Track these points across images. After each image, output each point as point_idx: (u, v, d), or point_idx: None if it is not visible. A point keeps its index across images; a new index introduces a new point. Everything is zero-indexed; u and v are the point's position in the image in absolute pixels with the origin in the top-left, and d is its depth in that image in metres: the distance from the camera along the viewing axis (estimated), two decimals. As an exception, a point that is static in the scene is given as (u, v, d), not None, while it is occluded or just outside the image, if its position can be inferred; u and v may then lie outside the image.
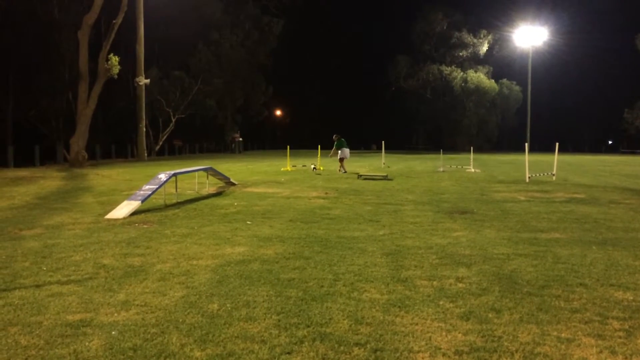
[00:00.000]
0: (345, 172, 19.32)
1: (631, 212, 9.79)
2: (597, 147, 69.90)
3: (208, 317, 3.99)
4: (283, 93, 61.90)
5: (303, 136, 64.58)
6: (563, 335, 3.65)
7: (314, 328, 3.76)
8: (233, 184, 13.96)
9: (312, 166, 21.48)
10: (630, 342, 3.52)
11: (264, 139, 65.47)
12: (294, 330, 3.73)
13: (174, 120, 41.25)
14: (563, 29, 57.38)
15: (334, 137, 20.36)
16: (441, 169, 21.97)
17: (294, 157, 28.59)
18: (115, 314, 4.05)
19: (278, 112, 70.87)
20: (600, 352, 3.37)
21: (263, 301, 4.36)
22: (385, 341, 3.54)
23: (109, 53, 23.81)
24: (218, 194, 12.30)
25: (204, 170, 13.00)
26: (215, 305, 4.24)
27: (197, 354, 3.33)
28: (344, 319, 3.95)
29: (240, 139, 44.05)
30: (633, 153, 59.90)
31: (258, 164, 25.43)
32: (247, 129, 51.97)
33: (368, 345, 3.46)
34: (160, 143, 40.88)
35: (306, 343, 3.50)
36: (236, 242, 6.77)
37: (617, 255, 6.10)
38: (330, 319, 3.96)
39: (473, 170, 21.89)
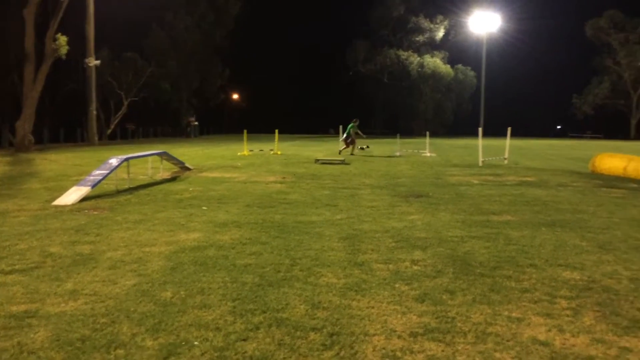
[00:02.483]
0: (353, 154, 21.14)
1: (578, 194, 10.13)
2: (547, 131, 72.08)
3: (161, 305, 3.89)
4: (241, 76, 61.11)
5: (262, 120, 64.04)
6: (514, 314, 3.74)
7: (270, 314, 3.73)
8: (188, 169, 13.70)
9: (364, 147, 23.71)
10: (577, 320, 3.64)
11: (222, 123, 64.56)
12: (250, 316, 3.68)
13: (126, 103, 40.15)
14: (516, 16, 58.59)
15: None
16: (398, 154, 22.20)
17: (252, 141, 28.34)
18: (63, 304, 3.90)
19: (235, 96, 69.97)
20: (549, 330, 3.46)
21: (218, 288, 4.29)
22: (342, 325, 3.53)
23: (56, 33, 22.86)
24: (172, 179, 12.04)
25: (158, 154, 12.70)
26: (169, 293, 4.15)
27: (149, 343, 3.25)
28: (300, 304, 3.93)
29: (196, 123, 43.31)
30: (580, 137, 62.16)
31: (214, 149, 25.08)
32: (204, 113, 51.10)
33: (324, 330, 3.45)
34: (112, 127, 39.76)
35: (262, 329, 3.46)
36: (191, 228, 6.64)
37: (565, 236, 6.30)
38: (286, 304, 3.93)
39: (429, 154, 22.22)
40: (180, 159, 14.21)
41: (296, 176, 12.73)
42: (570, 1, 67.19)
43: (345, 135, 21.52)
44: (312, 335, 3.38)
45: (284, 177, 12.46)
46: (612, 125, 68.02)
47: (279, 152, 21.23)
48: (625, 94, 64.37)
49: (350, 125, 21.35)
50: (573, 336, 3.37)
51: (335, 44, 65.31)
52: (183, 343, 3.24)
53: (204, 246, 5.66)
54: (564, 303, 3.98)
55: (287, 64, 70.26)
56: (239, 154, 20.79)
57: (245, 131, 23.84)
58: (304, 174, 13.19)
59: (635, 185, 11.55)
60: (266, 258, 5.20)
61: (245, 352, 3.13)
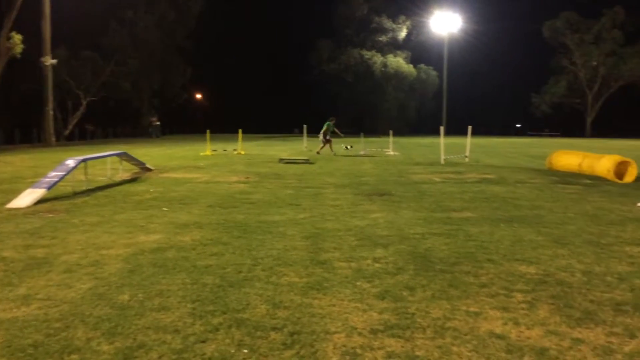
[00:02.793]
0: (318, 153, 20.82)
1: (536, 190, 10.39)
2: (507, 130, 73.68)
3: (118, 308, 3.80)
4: (204, 76, 60.45)
5: (225, 120, 63.39)
6: (471, 309, 3.80)
7: (230, 314, 3.69)
8: (149, 170, 13.46)
9: (347, 146, 23.48)
10: (532, 312, 3.72)
11: (184, 123, 63.67)
12: (210, 317, 3.64)
13: (85, 103, 39.15)
14: (476, 17, 59.79)
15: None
16: (362, 152, 22.33)
17: (216, 141, 28.07)
18: (15, 310, 3.77)
19: (199, 96, 69.14)
20: (505, 323, 3.53)
21: (178, 290, 4.22)
22: (303, 324, 3.53)
23: (11, 31, 22.12)
24: (132, 180, 11.80)
25: (117, 155, 12.43)
26: (126, 296, 4.06)
27: (105, 347, 3.17)
28: (261, 304, 3.90)
29: (158, 123, 42.53)
30: (539, 135, 63.82)
31: (177, 149, 24.73)
32: (166, 113, 50.25)
33: (285, 329, 3.44)
34: (70, 127, 38.71)
35: (222, 330, 3.42)
36: (151, 229, 6.52)
37: (522, 231, 6.45)
38: (247, 304, 3.90)
39: (392, 153, 22.44)
40: (141, 159, 13.95)
41: (260, 176, 12.67)
42: (528, 3, 68.86)
43: (322, 134, 21.21)
44: (272, 334, 3.36)
45: (247, 177, 12.37)
46: (569, 124, 70.02)
47: (242, 152, 21.08)
48: (581, 92, 66.38)
49: (326, 124, 21.14)
50: (528, 329, 3.45)
51: (299, 43, 65.27)
52: (140, 346, 3.18)
53: (164, 248, 5.56)
54: (520, 297, 4.07)
55: (251, 63, 69.77)
56: (201, 154, 20.55)
57: (208, 131, 23.58)
58: (268, 174, 13.13)
59: (589, 181, 11.92)
60: (228, 258, 5.15)
61: (204, 354, 3.09)
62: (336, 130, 21.71)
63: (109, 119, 42.58)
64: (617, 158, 12.58)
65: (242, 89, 71.01)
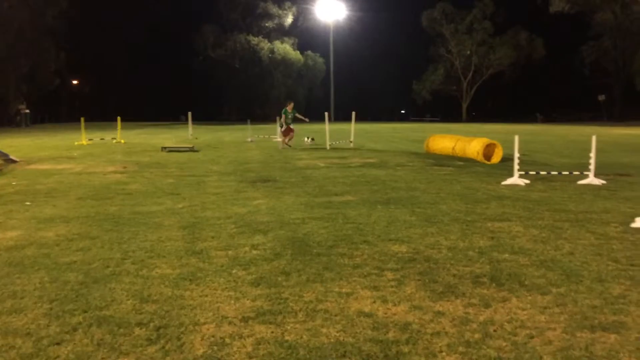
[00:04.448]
0: (289, 145, 17.99)
1: (413, 173, 10.90)
2: (392, 115, 76.81)
3: (-40, 315, 3.41)
4: (82, 60, 56.50)
5: (106, 107, 59.99)
6: (344, 290, 3.87)
7: (91, 312, 3.45)
8: (14, 161, 12.33)
9: (307, 138, 20.24)
10: (399, 290, 3.87)
11: (59, 111, 59.32)
12: (68, 317, 3.37)
13: (-61, 89, 35.06)
14: (360, 5, 61.37)
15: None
16: (250, 140, 22.14)
17: (94, 130, 26.43)
18: None
19: (75, 82, 64.63)
20: (374, 302, 3.63)
21: (34, 289, 3.88)
22: (171, 317, 3.39)
23: None
24: (-6, 173, 10.76)
25: (-25, 146, 11.24)
26: (-28, 301, 3.65)
27: (-60, 360, 2.82)
28: (128, 299, 3.69)
29: (27, 111, 39.15)
30: (421, 120, 67.26)
31: (48, 139, 22.95)
32: (37, 100, 46.40)
33: (151, 324, 3.27)
34: None
35: (80, 330, 3.19)
36: (9, 226, 5.95)
37: (398, 212, 6.71)
38: (112, 300, 3.67)
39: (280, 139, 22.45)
40: (5, 150, 12.75)
41: (139, 165, 12.09)
42: (407, -7, 71.98)
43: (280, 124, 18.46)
44: (137, 330, 3.19)
45: (125, 167, 11.75)
46: (447, 109, 74.51)
47: (122, 141, 20.03)
48: (457, 80, 70.83)
49: (283, 111, 18.07)
50: (395, 305, 3.57)
51: (183, 27, 63.07)
52: (-18, 356, 2.87)
53: (22, 245, 5.10)
54: (390, 275, 4.21)
55: (134, 47, 66.36)
56: (76, 143, 19.24)
57: (82, 119, 22.07)
58: (148, 163, 12.57)
59: (461, 163, 12.73)
60: (95, 253, 4.83)
61: (58, 356, 2.86)
62: (299, 115, 18.41)
63: (-31, 106, 38.55)
64: (485, 141, 13.54)
65: (123, 75, 67.44)
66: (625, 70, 57.37)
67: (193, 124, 26.23)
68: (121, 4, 61.85)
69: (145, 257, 4.72)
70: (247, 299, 3.70)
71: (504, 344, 2.98)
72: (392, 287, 3.94)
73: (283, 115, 17.93)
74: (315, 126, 39.74)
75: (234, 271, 4.33)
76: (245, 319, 3.35)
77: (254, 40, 59.86)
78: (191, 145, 17.23)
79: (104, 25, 61.77)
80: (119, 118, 22.76)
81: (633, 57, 53.31)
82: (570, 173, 9.80)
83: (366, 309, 3.50)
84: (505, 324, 3.24)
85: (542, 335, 3.09)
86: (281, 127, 18.19)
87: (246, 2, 59.72)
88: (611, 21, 57.65)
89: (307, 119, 19.24)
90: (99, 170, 11.14)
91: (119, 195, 8.07)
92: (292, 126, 18.11)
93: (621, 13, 56.18)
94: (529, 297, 3.69)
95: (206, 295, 3.78)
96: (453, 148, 14.71)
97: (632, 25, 56.36)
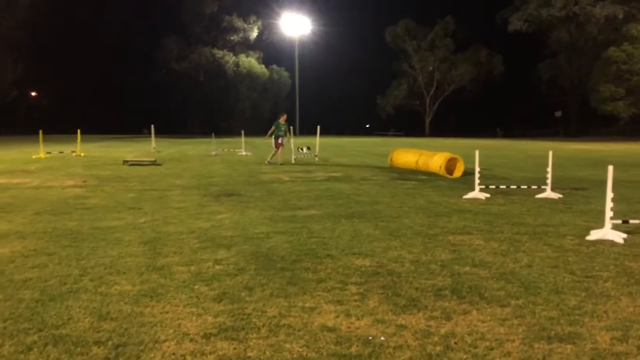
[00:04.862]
0: (270, 161, 16.89)
1: (377, 187, 11.00)
2: (357, 130, 77.49)
3: None
4: (42, 73, 55.14)
5: (66, 120, 58.55)
6: (307, 305, 3.86)
7: (47, 331, 3.34)
8: (-33, 175, 11.91)
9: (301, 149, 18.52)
10: (363, 304, 3.88)
11: (16, 123, 57.62)
12: (23, 336, 3.26)
13: None
14: (325, 21, 62.02)
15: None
16: (214, 153, 21.98)
17: (54, 143, 25.78)
18: None
19: (34, 93, 63.00)
20: (337, 316, 3.64)
21: (-14, 309, 3.74)
22: (130, 335, 3.31)
23: None
24: (-55, 187, 10.35)
25: None
26: None
27: None
28: (85, 317, 3.59)
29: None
30: (385, 135, 68.07)
31: (3, 152, 22.27)
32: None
33: (109, 342, 3.19)
34: None
35: (35, 349, 3.08)
36: (-40, 242, 5.73)
37: (362, 226, 6.76)
38: (69, 318, 3.57)
39: (244, 153, 22.38)
40: (-43, 163, 12.30)
41: (99, 179, 11.84)
42: (372, 9, 73.13)
43: (276, 136, 17.13)
44: (94, 349, 3.10)
45: (84, 181, 11.49)
46: (411, 124, 75.61)
47: (82, 154, 19.59)
48: (420, 95, 72.08)
49: (275, 123, 17.23)
50: (358, 319, 3.58)
51: (147, 39, 62.38)
52: None
53: (-26, 263, 4.91)
54: (353, 289, 4.23)
55: (96, 59, 65.10)
56: (34, 156, 18.71)
57: (40, 131, 21.49)
58: (109, 177, 12.32)
59: (424, 177, 12.92)
60: (51, 270, 4.69)
61: (11, 379, 2.76)
62: (288, 132, 17.62)
63: None
64: (448, 155, 13.79)
65: (85, 87, 66.09)
66: (580, 88, 59.52)
67: (156, 137, 25.88)
68: (84, 16, 60.81)
69: (105, 274, 4.61)
70: (210, 315, 3.65)
71: (465, 356, 3.02)
72: (355, 301, 3.95)
73: (273, 127, 17.09)
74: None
75: (196, 287, 4.27)
76: (207, 336, 3.31)
77: (219, 53, 59.67)
78: (154, 159, 16.98)
79: (65, 36, 60.47)
80: (79, 131, 22.28)
81: (588, 75, 55.38)
82: (529, 187, 10.06)
83: (329, 324, 3.50)
84: (466, 336, 3.29)
85: (501, 347, 3.14)
86: (276, 140, 16.99)
87: (211, 15, 59.59)
88: (566, 40, 59.92)
89: (291, 136, 18.08)
90: (58, 185, 10.85)
91: (78, 210, 7.88)
92: (283, 140, 17.08)
93: (576, 32, 58.45)
94: (489, 310, 3.76)
95: (167, 312, 3.71)
96: (416, 162, 14.92)
97: (586, 44, 58.70)
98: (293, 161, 17.40)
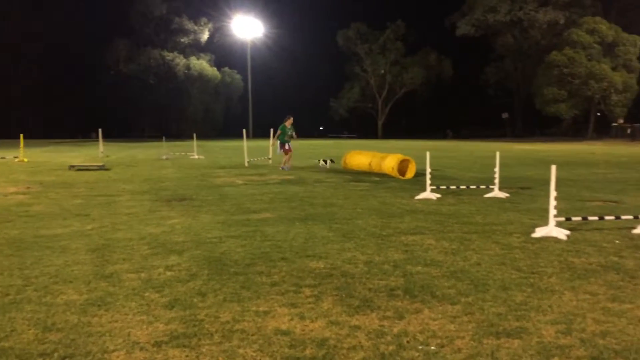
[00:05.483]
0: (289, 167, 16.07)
1: (331, 189, 11.05)
2: (310, 132, 77.62)
3: None
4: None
5: (8, 123, 56.20)
6: (261, 309, 3.84)
7: (-12, 346, 3.19)
8: None
9: (322, 161, 16.95)
10: (317, 306, 3.89)
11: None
12: (-39, 352, 3.10)
13: None
14: (277, 23, 61.93)
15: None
16: (165, 157, 21.57)
17: (-8, 148, 24.68)
18: None
19: (-28, 96, 60.09)
20: (292, 319, 3.63)
21: None
22: (77, 345, 3.20)
23: None
24: None
25: None
26: None
27: None
28: (29, 329, 3.45)
29: None
30: (339, 137, 68.51)
31: (-59, 157, 21.14)
32: None
33: (55, 354, 3.08)
34: None
35: (-26, 366, 2.94)
36: None
37: (316, 228, 6.77)
38: (12, 330, 3.42)
39: (197, 156, 22.07)
40: None
41: (44, 185, 11.41)
42: (325, 12, 73.56)
43: (282, 141, 16.48)
44: (39, 362, 2.99)
45: (28, 187, 11.05)
46: (364, 126, 76.40)
47: (25, 160, 18.83)
48: (372, 98, 72.94)
49: (280, 127, 16.50)
50: (312, 321, 3.59)
51: (94, 40, 60.54)
52: None
53: None
54: (307, 291, 4.23)
55: (40, 61, 62.78)
56: (-27, 162, 17.87)
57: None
58: (54, 183, 11.90)
59: (377, 179, 13.07)
60: (-8, 281, 4.48)
61: (-53, 397, 2.62)
62: (294, 134, 16.89)
63: None
64: (400, 157, 14.00)
65: (28, 90, 63.54)
66: (525, 90, 61.69)
67: (104, 141, 25.12)
68: (28, 15, 58.54)
69: (50, 283, 4.44)
70: (161, 323, 3.58)
71: (416, 354, 3.07)
72: (309, 303, 3.95)
73: (279, 131, 16.41)
74: (234, 143, 39.49)
75: (146, 294, 4.17)
76: (158, 344, 3.23)
77: (169, 55, 58.65)
78: (101, 164, 16.51)
79: (5, 37, 58.04)
80: (21, 135, 21.41)
81: (532, 78, 57.44)
82: (478, 187, 10.34)
83: (283, 327, 3.49)
84: (418, 334, 3.35)
85: (451, 343, 3.21)
86: (282, 144, 16.41)
87: (160, 17, 58.50)
88: (512, 44, 62.03)
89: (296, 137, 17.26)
90: (-1, 191, 10.40)
91: (21, 217, 7.57)
92: (290, 144, 16.57)
93: (520, 37, 60.59)
94: (440, 308, 3.83)
95: (116, 321, 3.61)
96: (369, 164, 15.07)
97: (530, 48, 60.92)
98: (246, 164, 17.27)
